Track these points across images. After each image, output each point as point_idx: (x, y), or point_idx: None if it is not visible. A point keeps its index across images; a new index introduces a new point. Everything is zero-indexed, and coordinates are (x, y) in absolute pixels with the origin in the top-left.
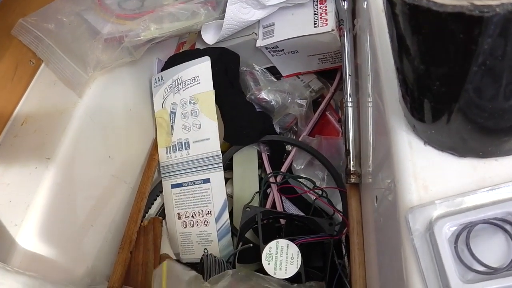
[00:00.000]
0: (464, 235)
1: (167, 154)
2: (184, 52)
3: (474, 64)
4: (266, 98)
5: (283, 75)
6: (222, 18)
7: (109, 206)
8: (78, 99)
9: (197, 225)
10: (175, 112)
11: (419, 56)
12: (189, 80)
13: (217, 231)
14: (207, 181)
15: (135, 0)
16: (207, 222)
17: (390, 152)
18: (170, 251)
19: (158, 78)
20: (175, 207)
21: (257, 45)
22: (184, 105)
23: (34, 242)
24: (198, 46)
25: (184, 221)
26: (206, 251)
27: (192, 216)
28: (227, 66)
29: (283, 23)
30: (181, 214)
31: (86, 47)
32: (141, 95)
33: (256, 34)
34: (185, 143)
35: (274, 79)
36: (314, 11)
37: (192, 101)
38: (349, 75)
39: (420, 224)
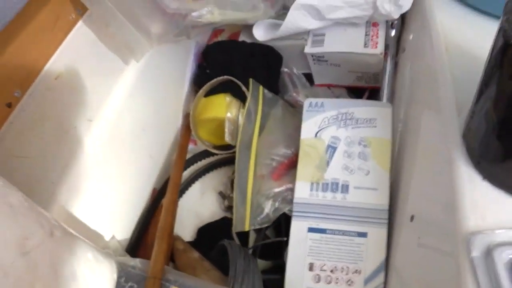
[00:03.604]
0: None
1: (311, 190)
2: (233, 41)
3: None
4: (302, 101)
5: (315, 83)
6: (277, 18)
7: (135, 178)
8: (124, 66)
9: (336, 283)
10: (336, 147)
11: None
12: (362, 119)
13: None
14: (363, 235)
15: None
16: (352, 282)
17: (452, 183)
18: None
19: (317, 103)
20: (308, 255)
21: (306, 51)
22: (351, 143)
23: (71, 202)
24: (243, 38)
25: (318, 274)
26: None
27: (332, 271)
28: (270, 64)
29: (334, 36)
30: (315, 265)
31: (152, 18)
32: (177, 74)
33: (305, 40)
34: (343, 185)
35: (308, 85)
36: (366, 33)
37: (363, 143)
38: (387, 99)
39: (480, 248)
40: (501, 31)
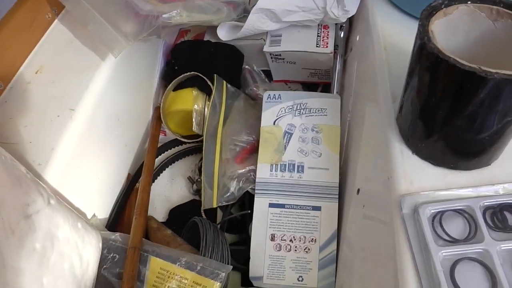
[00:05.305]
0: (439, 216)
1: (270, 171)
2: (199, 41)
3: (471, 105)
4: (261, 94)
5: (274, 79)
6: (238, 20)
7: (112, 163)
8: (101, 61)
9: (295, 250)
10: (292, 133)
11: (435, 92)
12: (314, 109)
13: (320, 260)
14: (317, 208)
15: None
16: (309, 249)
17: (388, 157)
18: None
19: (274, 95)
20: (270, 227)
21: (264, 50)
22: (305, 130)
23: (57, 182)
24: (208, 38)
25: (279, 244)
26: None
27: (291, 241)
28: (233, 62)
29: (290, 36)
30: (276, 236)
31: (126, 18)
32: (147, 70)
33: (264, 40)
34: (298, 166)
35: (267, 81)
36: (318, 34)
37: (315, 129)
38: (337, 92)
39: (409, 207)
40: (417, 34)
